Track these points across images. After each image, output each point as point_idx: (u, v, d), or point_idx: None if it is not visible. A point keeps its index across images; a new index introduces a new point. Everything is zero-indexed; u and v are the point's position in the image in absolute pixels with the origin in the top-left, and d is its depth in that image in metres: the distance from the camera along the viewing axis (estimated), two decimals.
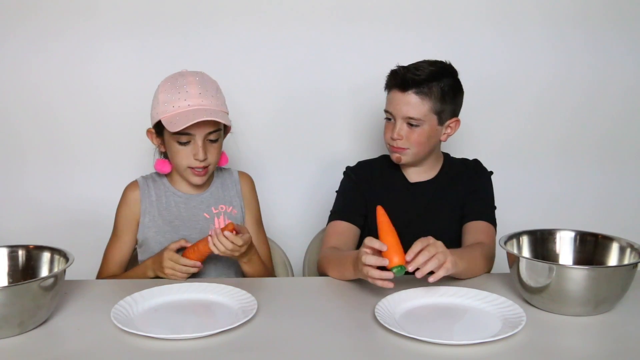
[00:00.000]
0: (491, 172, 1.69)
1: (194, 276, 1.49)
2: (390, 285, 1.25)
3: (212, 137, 1.50)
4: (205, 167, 1.52)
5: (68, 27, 1.99)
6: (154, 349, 1.08)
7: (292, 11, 2.03)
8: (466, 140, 2.05)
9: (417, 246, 1.25)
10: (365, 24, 2.05)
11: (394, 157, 1.61)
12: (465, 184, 1.64)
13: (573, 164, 2.18)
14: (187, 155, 1.49)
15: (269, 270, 1.64)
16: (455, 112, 1.61)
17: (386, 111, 1.61)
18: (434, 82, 1.54)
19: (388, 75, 1.61)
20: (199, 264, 1.44)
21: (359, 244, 1.60)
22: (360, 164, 1.73)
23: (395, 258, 1.24)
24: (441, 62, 1.59)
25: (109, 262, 1.58)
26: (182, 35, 2.01)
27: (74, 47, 2.01)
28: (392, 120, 1.59)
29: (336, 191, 1.70)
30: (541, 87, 2.12)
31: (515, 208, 2.06)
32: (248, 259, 1.51)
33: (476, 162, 1.70)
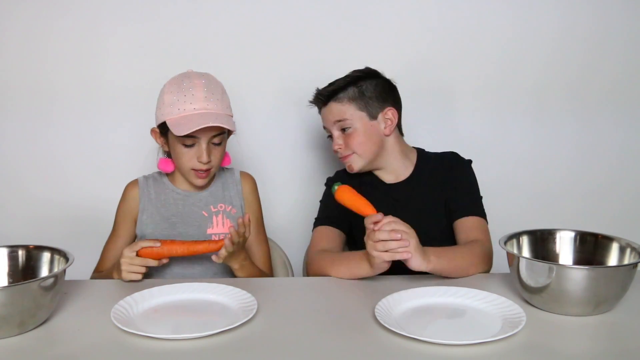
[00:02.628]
0: (470, 161, 1.67)
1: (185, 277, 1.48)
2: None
3: (216, 140, 1.51)
4: (207, 170, 1.52)
5: (69, 24, 1.99)
6: (154, 349, 1.08)
7: (293, 9, 2.03)
8: (467, 139, 2.05)
9: (390, 225, 1.32)
10: (364, 22, 2.05)
11: (347, 167, 1.65)
12: (446, 178, 1.63)
13: (575, 161, 2.17)
14: (191, 158, 1.50)
15: (266, 274, 1.64)
16: (385, 104, 1.62)
17: (324, 129, 1.68)
18: (349, 87, 1.60)
19: (311, 102, 1.68)
20: (158, 244, 1.41)
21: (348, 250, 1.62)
22: (338, 172, 1.75)
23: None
24: (359, 70, 1.65)
25: (105, 257, 1.60)
26: (183, 35, 2.02)
27: (75, 44, 2.01)
28: (330, 135, 1.65)
29: (320, 201, 1.71)
30: (538, 79, 2.12)
31: (514, 206, 2.07)
32: (240, 266, 1.50)
33: (453, 154, 1.69)
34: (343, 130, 1.61)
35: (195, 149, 1.49)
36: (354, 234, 1.65)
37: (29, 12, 1.98)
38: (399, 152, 1.66)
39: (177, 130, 1.44)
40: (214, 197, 1.63)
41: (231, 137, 1.64)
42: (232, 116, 1.55)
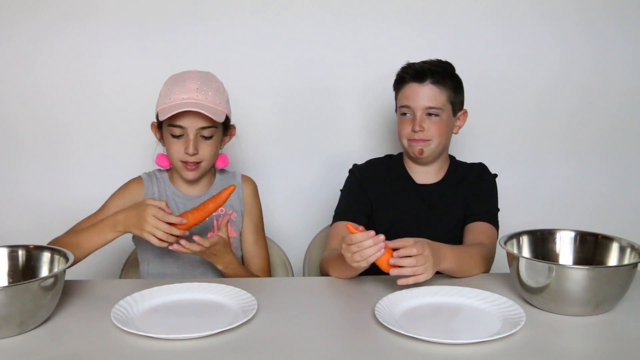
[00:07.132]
0: (495, 175, 1.68)
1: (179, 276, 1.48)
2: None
3: (205, 133, 1.51)
4: (197, 163, 1.52)
5: (69, 25, 1.99)
6: (154, 349, 1.08)
7: (296, 9, 2.03)
8: (468, 141, 2.05)
9: (410, 250, 1.25)
10: (368, 22, 2.05)
11: (416, 150, 1.59)
12: (470, 187, 1.64)
13: (575, 162, 2.18)
14: (179, 149, 1.51)
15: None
16: (463, 104, 1.64)
17: (402, 106, 1.59)
18: (447, 74, 1.57)
19: (400, 71, 1.61)
20: (185, 221, 1.38)
21: None
22: (369, 162, 1.72)
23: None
24: (445, 61, 1.61)
25: (76, 227, 1.53)
26: (184, 33, 2.02)
27: (74, 45, 2.01)
28: (410, 114, 1.59)
29: (340, 190, 1.70)
30: (542, 86, 2.12)
31: (516, 208, 2.06)
32: (224, 266, 1.50)
33: (481, 166, 1.70)
34: (429, 114, 1.57)
35: (183, 140, 1.50)
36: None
37: (31, 14, 1.98)
38: (444, 155, 1.67)
39: (162, 116, 1.48)
40: None
41: (233, 140, 1.64)
42: (225, 113, 1.53)
